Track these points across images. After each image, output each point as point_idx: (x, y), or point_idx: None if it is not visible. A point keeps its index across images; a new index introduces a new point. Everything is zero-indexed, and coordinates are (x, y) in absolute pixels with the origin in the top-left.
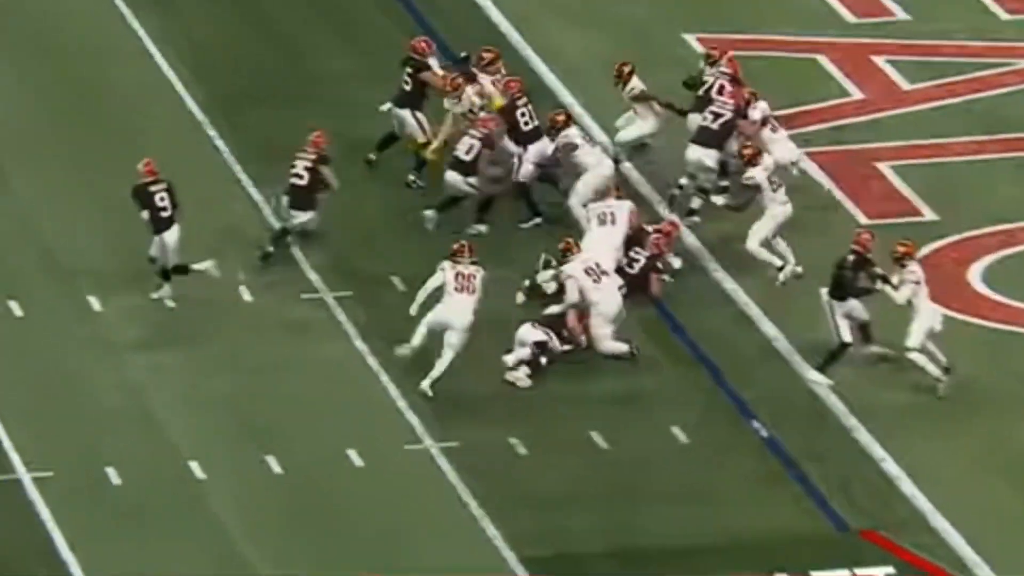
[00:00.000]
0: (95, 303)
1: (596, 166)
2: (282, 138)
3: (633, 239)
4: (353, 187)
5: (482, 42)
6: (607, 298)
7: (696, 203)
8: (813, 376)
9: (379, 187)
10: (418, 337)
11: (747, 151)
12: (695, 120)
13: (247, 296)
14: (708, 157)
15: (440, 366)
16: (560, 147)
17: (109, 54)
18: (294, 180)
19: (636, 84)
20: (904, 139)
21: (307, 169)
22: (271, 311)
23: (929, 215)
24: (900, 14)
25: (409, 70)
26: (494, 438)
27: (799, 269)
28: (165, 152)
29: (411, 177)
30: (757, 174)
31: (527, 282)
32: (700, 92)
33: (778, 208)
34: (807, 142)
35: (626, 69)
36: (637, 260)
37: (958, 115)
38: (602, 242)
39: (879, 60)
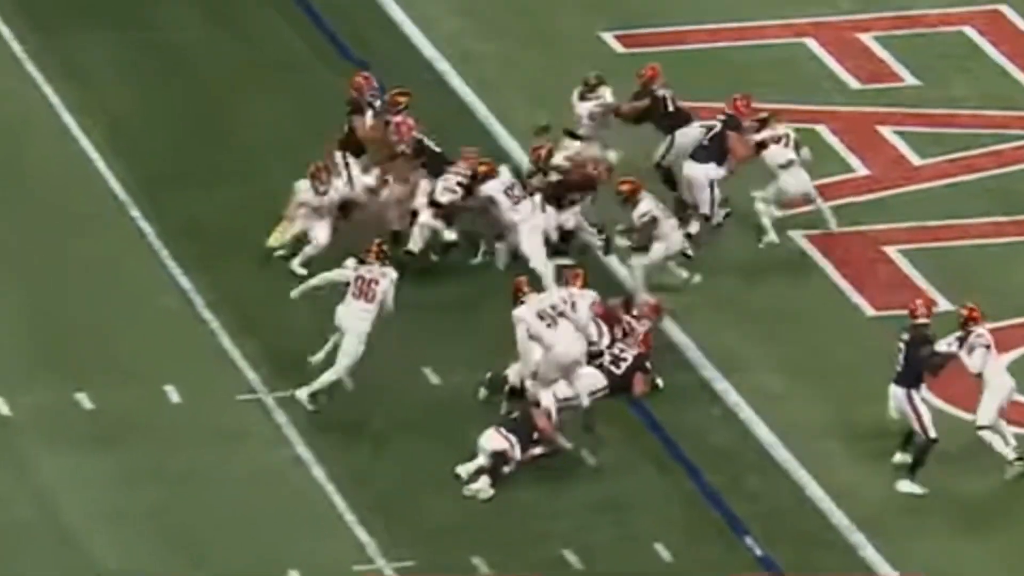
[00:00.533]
0: (3, 406)
1: (524, 221)
2: (210, 218)
3: (612, 325)
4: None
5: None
6: (562, 342)
7: (694, 227)
8: (906, 487)
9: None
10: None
11: (624, 187)
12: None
13: (175, 397)
14: (700, 173)
15: (328, 376)
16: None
17: (24, 130)
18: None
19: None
20: (914, 220)
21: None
22: (202, 414)
23: (944, 305)
24: (909, 79)
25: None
26: (454, 558)
27: (697, 277)
28: (85, 236)
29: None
30: (649, 207)
31: (488, 374)
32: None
33: (674, 237)
34: (806, 224)
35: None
36: (623, 359)
37: (974, 193)
38: (565, 333)
39: (886, 131)
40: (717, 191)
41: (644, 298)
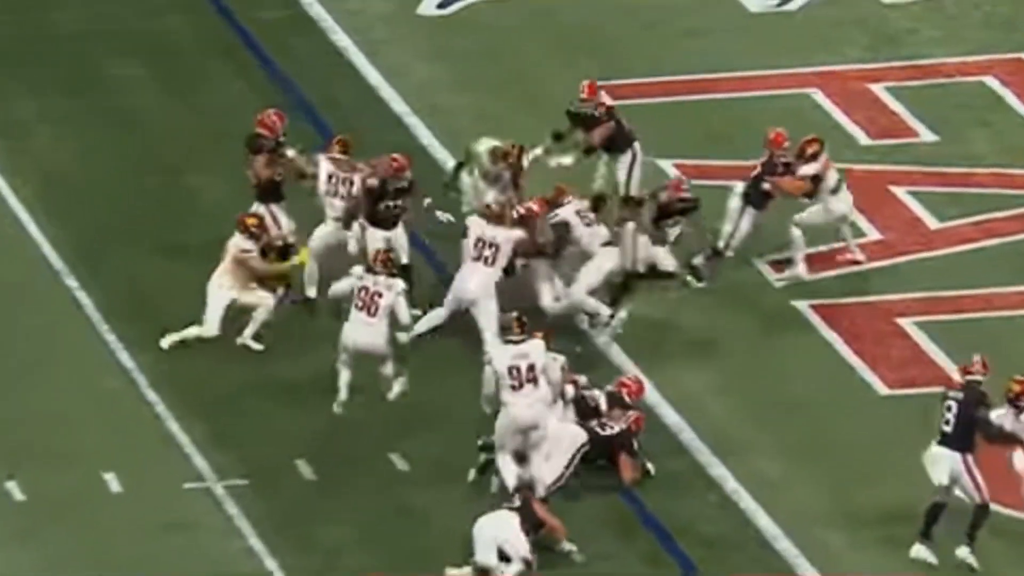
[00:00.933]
0: None
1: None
2: (155, 289)
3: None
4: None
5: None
6: (520, 404)
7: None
8: (963, 554)
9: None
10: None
11: (555, 194)
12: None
13: (115, 485)
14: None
15: (399, 388)
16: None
17: None
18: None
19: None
20: (932, 289)
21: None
22: (146, 503)
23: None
24: (924, 134)
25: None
26: None
27: (623, 314)
28: (15, 308)
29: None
30: (566, 213)
31: (480, 440)
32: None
33: (605, 254)
34: (812, 293)
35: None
36: (610, 427)
37: (997, 260)
38: (528, 397)
39: (899, 191)
40: (744, 226)
41: (621, 379)
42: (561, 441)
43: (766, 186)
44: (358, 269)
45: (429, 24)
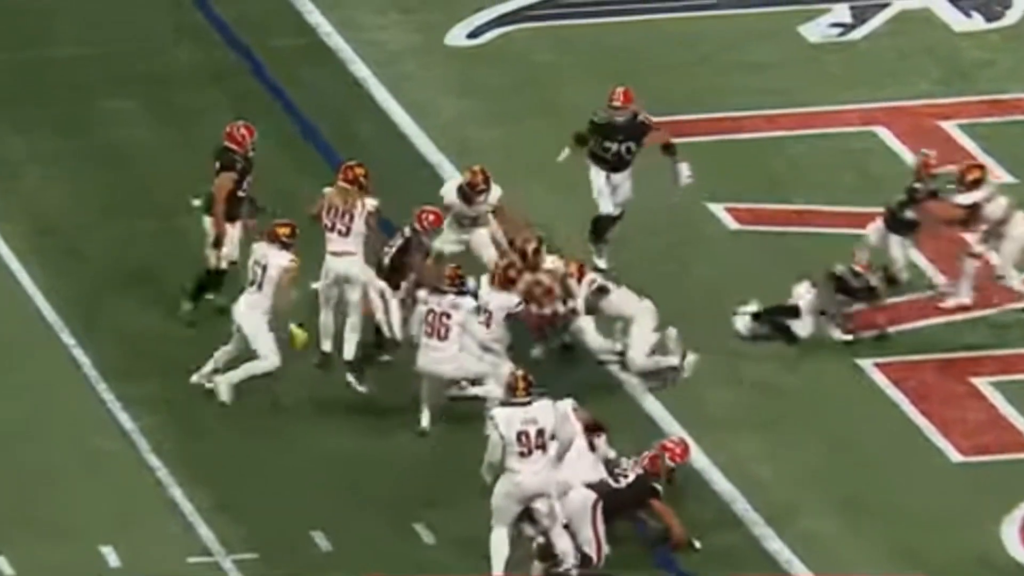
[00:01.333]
0: None
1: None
2: (157, 344)
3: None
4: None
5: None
6: (527, 471)
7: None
8: None
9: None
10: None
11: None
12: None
13: (113, 560)
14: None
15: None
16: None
17: None
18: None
19: None
20: (1011, 346)
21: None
22: None
23: None
24: (1003, 176)
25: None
26: None
27: (691, 357)
28: (6, 366)
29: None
30: (603, 279)
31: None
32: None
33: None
34: (877, 350)
35: None
36: (623, 475)
37: None
38: (536, 463)
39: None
40: (898, 255)
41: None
42: (574, 510)
43: (911, 214)
44: (423, 293)
45: (458, 55)
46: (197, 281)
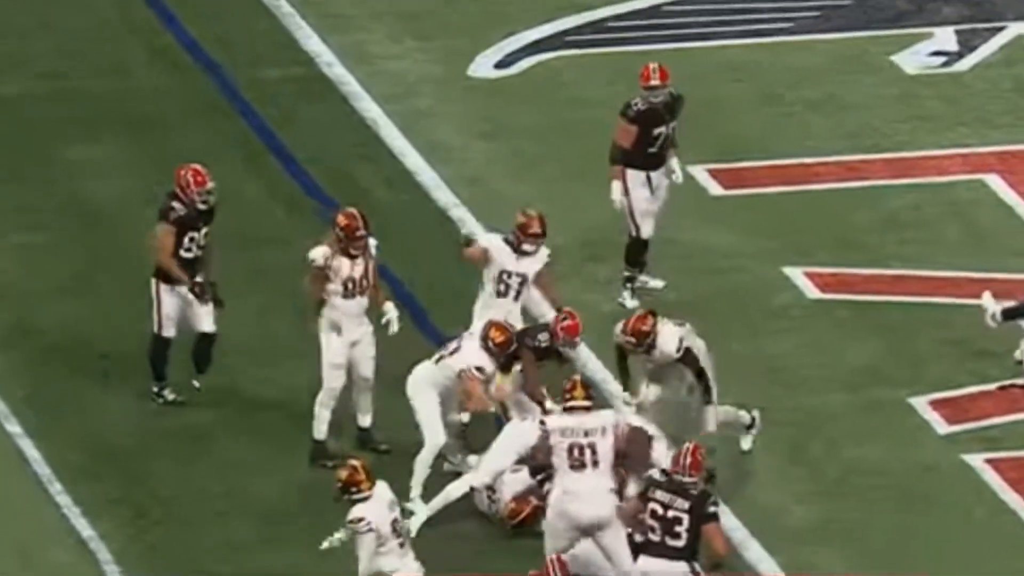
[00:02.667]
0: None
1: None
2: (121, 437)
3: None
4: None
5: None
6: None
7: None
8: None
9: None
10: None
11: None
12: None
13: None
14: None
15: None
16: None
17: None
18: None
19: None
20: None
21: None
22: None
23: None
24: None
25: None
26: None
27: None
28: None
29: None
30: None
31: None
32: None
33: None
34: (989, 443)
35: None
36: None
37: None
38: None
39: None
40: None
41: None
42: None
43: None
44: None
45: (484, 89)
46: (150, 354)
